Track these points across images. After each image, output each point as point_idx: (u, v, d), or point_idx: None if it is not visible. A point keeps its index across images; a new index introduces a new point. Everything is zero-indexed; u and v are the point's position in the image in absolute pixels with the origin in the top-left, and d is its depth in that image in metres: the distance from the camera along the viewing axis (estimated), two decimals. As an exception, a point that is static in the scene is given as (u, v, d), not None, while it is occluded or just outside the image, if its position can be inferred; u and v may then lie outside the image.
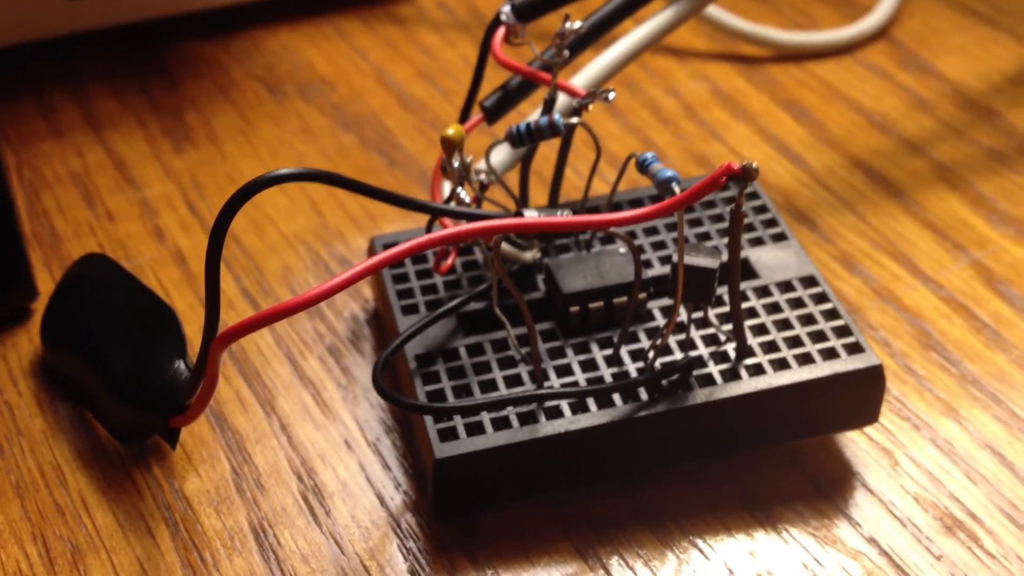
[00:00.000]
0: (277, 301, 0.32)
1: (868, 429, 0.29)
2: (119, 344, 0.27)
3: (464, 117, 0.30)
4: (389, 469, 0.28)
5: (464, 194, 0.27)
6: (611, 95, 0.27)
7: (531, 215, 0.25)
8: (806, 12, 0.43)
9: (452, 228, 0.24)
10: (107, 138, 0.37)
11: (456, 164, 0.26)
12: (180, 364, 0.26)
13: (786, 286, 0.29)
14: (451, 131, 0.26)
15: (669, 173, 0.25)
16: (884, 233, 0.34)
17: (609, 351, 0.27)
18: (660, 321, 0.28)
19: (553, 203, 0.30)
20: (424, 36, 0.42)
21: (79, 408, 0.29)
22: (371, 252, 0.30)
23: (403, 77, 0.40)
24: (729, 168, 0.24)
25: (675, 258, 0.25)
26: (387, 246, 0.30)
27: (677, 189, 0.25)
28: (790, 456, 0.28)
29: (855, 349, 0.27)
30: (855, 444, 0.29)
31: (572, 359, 0.27)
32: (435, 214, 0.26)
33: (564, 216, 0.24)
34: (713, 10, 0.41)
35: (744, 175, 0.24)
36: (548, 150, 0.35)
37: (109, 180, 0.35)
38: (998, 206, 0.35)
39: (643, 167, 0.26)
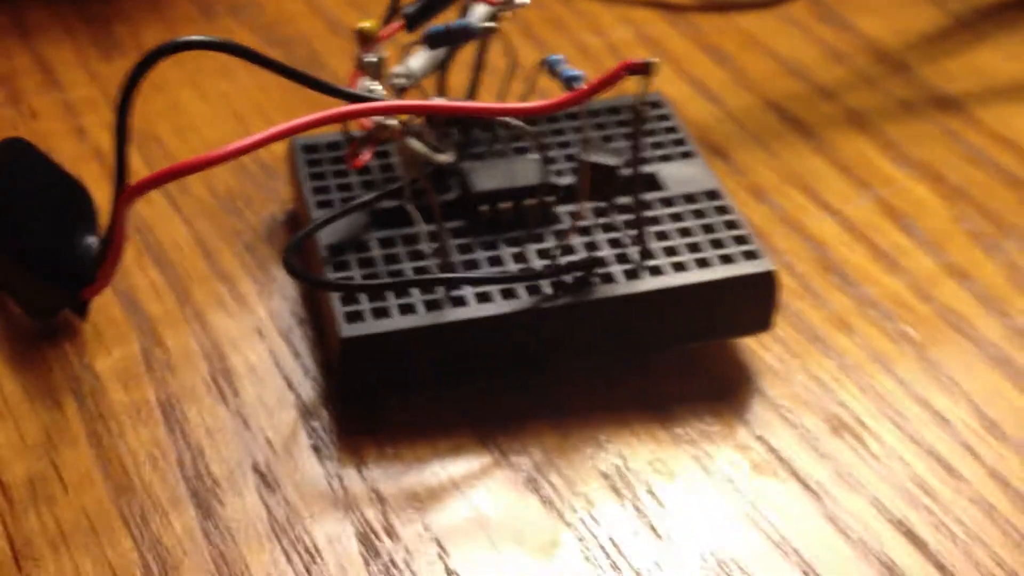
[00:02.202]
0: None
1: (767, 340, 0.30)
2: (31, 219, 0.27)
3: (386, 23, 0.31)
4: (299, 357, 0.28)
5: (378, 87, 0.27)
6: (526, 0, 0.28)
7: (438, 100, 0.26)
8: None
9: (355, 106, 0.24)
10: (36, 45, 0.37)
11: (371, 58, 0.27)
12: (91, 239, 0.27)
13: (690, 198, 0.30)
14: (367, 23, 0.27)
15: (575, 72, 0.26)
16: (794, 168, 0.36)
17: (517, 249, 0.28)
18: (568, 225, 0.29)
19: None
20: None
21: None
22: (291, 154, 0.31)
23: (332, 2, 0.41)
24: (628, 63, 0.25)
25: (580, 157, 0.26)
26: (307, 147, 0.31)
27: (581, 85, 0.26)
28: (691, 361, 0.29)
29: (751, 256, 0.28)
30: (753, 353, 0.30)
31: (480, 255, 0.28)
32: (341, 96, 0.27)
33: (461, 101, 0.25)
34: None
35: (644, 70, 0.25)
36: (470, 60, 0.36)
37: (35, 82, 0.36)
38: (905, 150, 0.36)
39: (551, 68, 0.27)
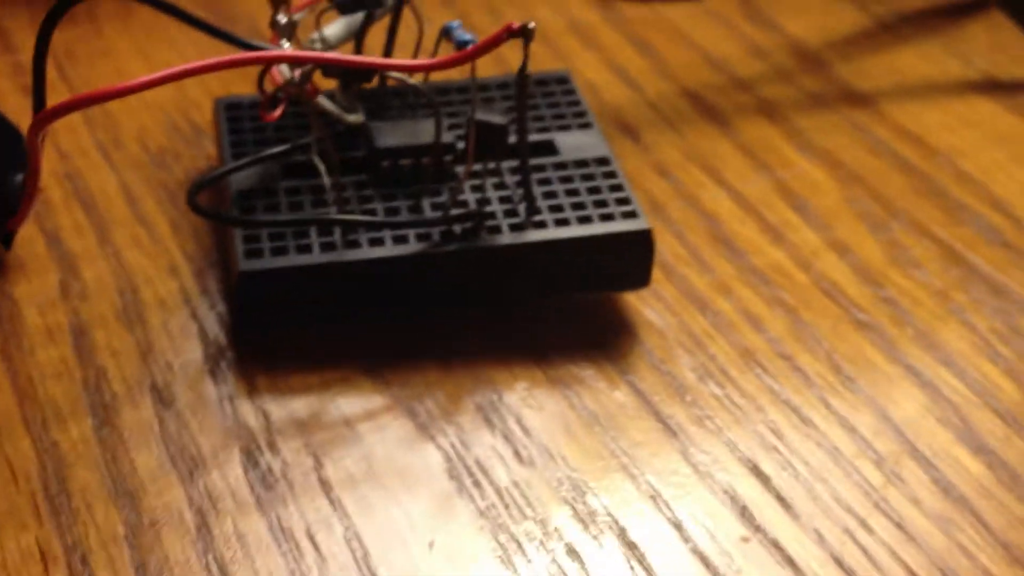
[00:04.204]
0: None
1: (650, 299, 0.32)
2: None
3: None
4: (207, 293, 0.31)
5: (289, 46, 0.30)
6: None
7: (334, 55, 0.28)
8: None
9: (247, 53, 0.27)
10: (-5, 12, 0.40)
11: (282, 19, 0.29)
12: (18, 176, 0.29)
13: (581, 163, 0.32)
14: (279, -14, 0.29)
15: (468, 36, 0.29)
16: (699, 149, 0.38)
17: (413, 202, 0.31)
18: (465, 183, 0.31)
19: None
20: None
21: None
22: (216, 113, 0.33)
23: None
24: (509, 27, 0.27)
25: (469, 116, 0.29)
26: (230, 107, 0.33)
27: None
28: (576, 312, 0.31)
29: (630, 216, 0.31)
30: (636, 310, 0.32)
31: (379, 206, 0.30)
32: (249, 50, 0.29)
33: (348, 55, 0.27)
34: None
35: (522, 33, 0.27)
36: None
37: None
38: (810, 138, 0.39)
39: (447, 32, 0.29)
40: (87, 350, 0.29)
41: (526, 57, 0.28)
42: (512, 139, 0.30)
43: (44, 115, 0.25)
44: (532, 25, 0.27)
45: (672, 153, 0.37)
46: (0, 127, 0.30)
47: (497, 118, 0.29)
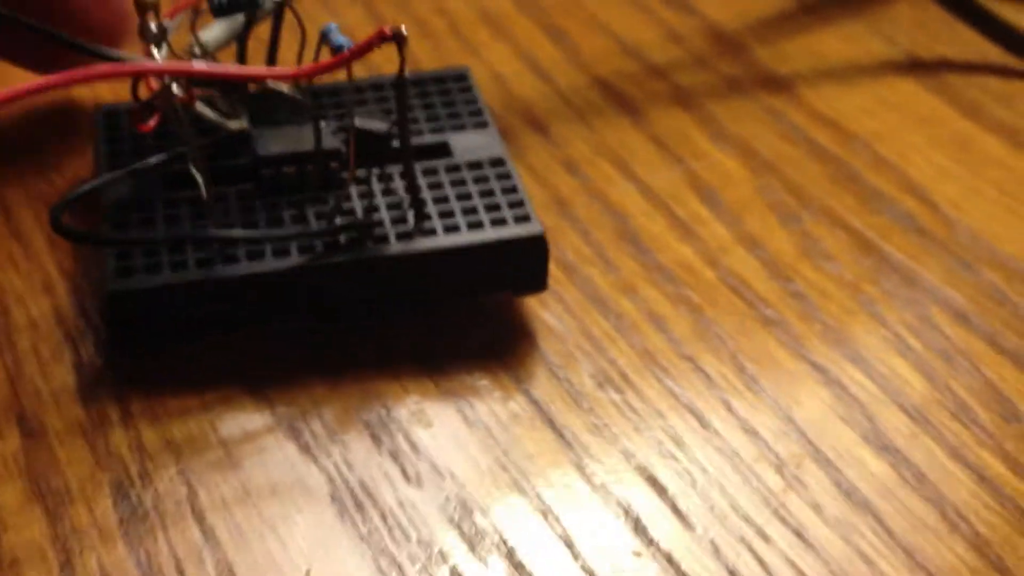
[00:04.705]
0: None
1: (550, 301, 0.31)
2: None
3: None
4: (83, 313, 0.29)
5: (159, 55, 0.28)
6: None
7: (195, 64, 0.27)
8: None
9: (124, 65, 0.25)
10: None
11: (152, 26, 0.28)
12: None
13: (475, 165, 0.31)
14: (145, -8, 0.28)
15: (343, 40, 0.28)
16: (609, 142, 0.37)
17: (296, 211, 0.29)
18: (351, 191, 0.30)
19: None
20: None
21: None
22: (95, 121, 0.32)
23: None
24: (381, 31, 0.26)
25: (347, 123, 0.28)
26: (108, 114, 0.32)
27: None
28: (471, 318, 0.30)
29: (523, 219, 0.30)
30: (535, 314, 0.31)
31: (261, 216, 0.29)
32: (108, 60, 0.28)
33: (218, 65, 0.26)
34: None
35: (395, 38, 0.26)
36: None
37: None
38: (724, 126, 0.38)
39: (324, 36, 0.28)
40: (-49, 378, 0.28)
41: (403, 63, 0.27)
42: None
43: None
44: (403, 30, 0.26)
45: (581, 147, 0.36)
46: None
47: (378, 125, 0.28)
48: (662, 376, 0.29)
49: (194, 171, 0.29)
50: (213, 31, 0.32)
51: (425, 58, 0.40)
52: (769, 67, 0.40)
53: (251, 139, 0.30)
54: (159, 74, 0.25)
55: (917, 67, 0.40)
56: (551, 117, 0.38)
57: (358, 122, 0.28)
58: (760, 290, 0.32)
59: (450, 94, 0.33)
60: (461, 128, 0.32)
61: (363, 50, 0.26)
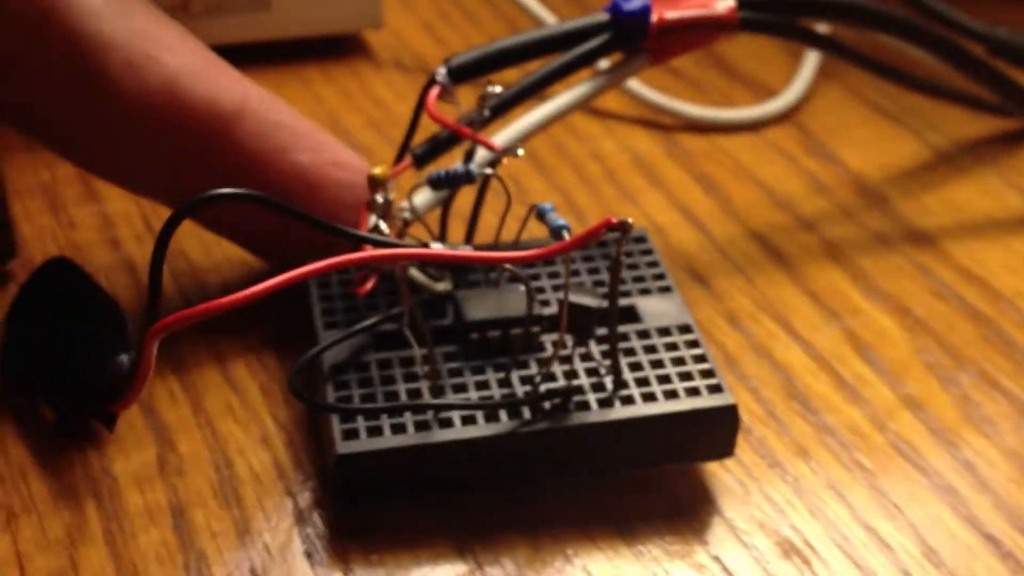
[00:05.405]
0: (217, 316, 0.35)
1: (729, 463, 0.32)
2: (74, 341, 0.30)
3: (397, 161, 0.34)
4: (300, 465, 0.31)
5: (384, 227, 0.30)
6: (520, 151, 0.31)
7: (435, 247, 0.29)
8: (727, 95, 0.48)
9: (364, 252, 0.27)
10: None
11: (379, 200, 0.30)
12: (123, 356, 0.30)
13: (664, 331, 0.33)
14: (377, 170, 0.30)
15: (561, 222, 0.29)
16: (768, 296, 0.38)
17: (502, 375, 0.31)
18: (550, 353, 0.32)
19: (468, 243, 0.34)
20: (378, 89, 0.46)
21: (28, 392, 0.32)
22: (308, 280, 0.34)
23: (354, 125, 0.44)
24: (608, 222, 0.28)
25: (561, 298, 0.29)
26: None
27: (566, 236, 0.29)
28: (656, 482, 0.32)
29: (715, 389, 0.31)
30: (715, 476, 0.32)
31: (469, 379, 0.31)
32: (354, 240, 0.30)
33: (462, 250, 0.28)
34: (632, 83, 0.45)
35: (620, 228, 0.28)
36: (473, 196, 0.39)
37: (75, 193, 0.39)
38: (874, 281, 0.39)
39: (540, 215, 0.30)
40: (186, 532, 0.29)
41: (620, 248, 0.29)
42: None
43: (162, 326, 0.26)
44: (629, 221, 0.28)
45: (743, 302, 0.38)
46: (102, 306, 0.31)
47: (589, 299, 0.30)
48: (844, 545, 0.31)
49: (406, 333, 0.31)
50: (422, 196, 0.34)
51: (584, 204, 0.42)
52: (912, 220, 0.42)
53: (457, 303, 0.32)
54: (409, 259, 0.27)
55: (1054, 224, 0.42)
56: (711, 270, 0.39)
57: (572, 297, 0.29)
58: (928, 456, 0.33)
59: (632, 255, 0.35)
60: (647, 292, 0.34)
61: (590, 237, 0.28)
